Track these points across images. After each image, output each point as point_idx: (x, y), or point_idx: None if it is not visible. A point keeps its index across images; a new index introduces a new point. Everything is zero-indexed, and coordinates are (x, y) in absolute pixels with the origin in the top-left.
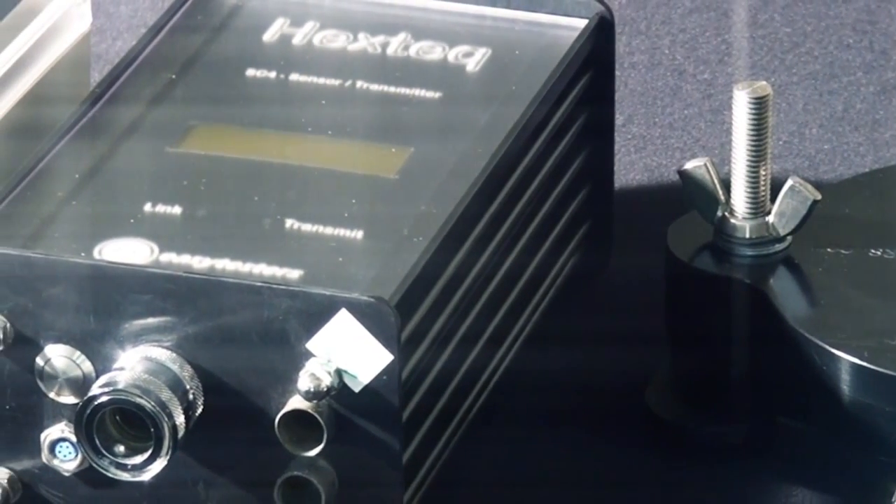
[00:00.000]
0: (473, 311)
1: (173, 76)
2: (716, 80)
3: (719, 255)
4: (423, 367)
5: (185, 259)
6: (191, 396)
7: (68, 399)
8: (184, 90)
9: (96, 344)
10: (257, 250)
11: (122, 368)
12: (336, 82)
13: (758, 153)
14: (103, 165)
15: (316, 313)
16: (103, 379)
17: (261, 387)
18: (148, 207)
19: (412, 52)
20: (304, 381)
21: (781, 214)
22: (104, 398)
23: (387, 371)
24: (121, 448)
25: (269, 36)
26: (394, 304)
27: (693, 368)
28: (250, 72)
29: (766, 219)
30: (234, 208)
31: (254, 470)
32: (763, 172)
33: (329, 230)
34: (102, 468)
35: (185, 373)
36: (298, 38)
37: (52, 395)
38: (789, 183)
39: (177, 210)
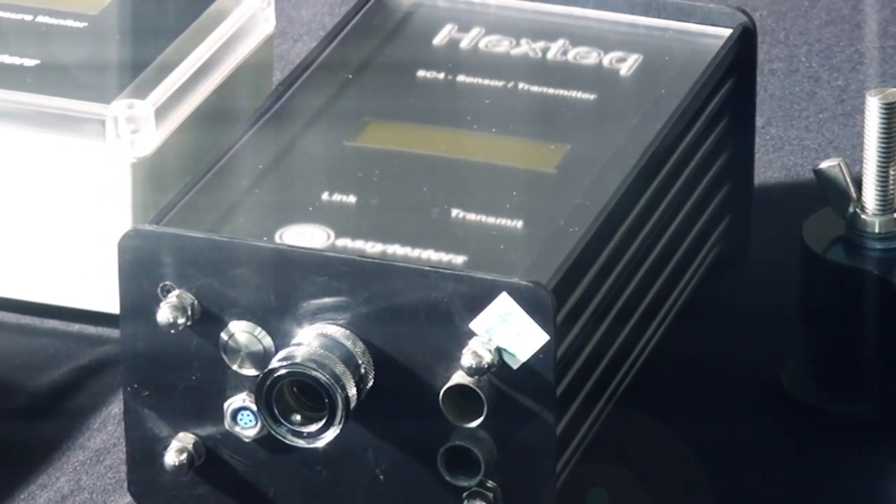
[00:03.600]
0: (623, 295)
1: (350, 76)
2: (849, 86)
3: (851, 248)
4: (577, 346)
5: (359, 244)
6: (362, 370)
7: (249, 371)
8: (359, 89)
9: (276, 321)
10: (425, 237)
11: (299, 344)
12: (499, 83)
13: (887, 154)
14: (285, 157)
15: (479, 296)
16: (282, 353)
17: (427, 363)
18: (325, 196)
19: (570, 56)
20: (467, 358)
21: None
22: (283, 371)
23: (543, 350)
24: (297, 417)
25: (439, 40)
26: (550, 288)
27: (825, 352)
28: (421, 73)
29: (895, 215)
30: (405, 198)
31: (419, 439)
32: (892, 172)
33: (491, 220)
34: (280, 435)
35: (358, 349)
36: (465, 43)
37: (234, 367)
38: None
39: (352, 199)
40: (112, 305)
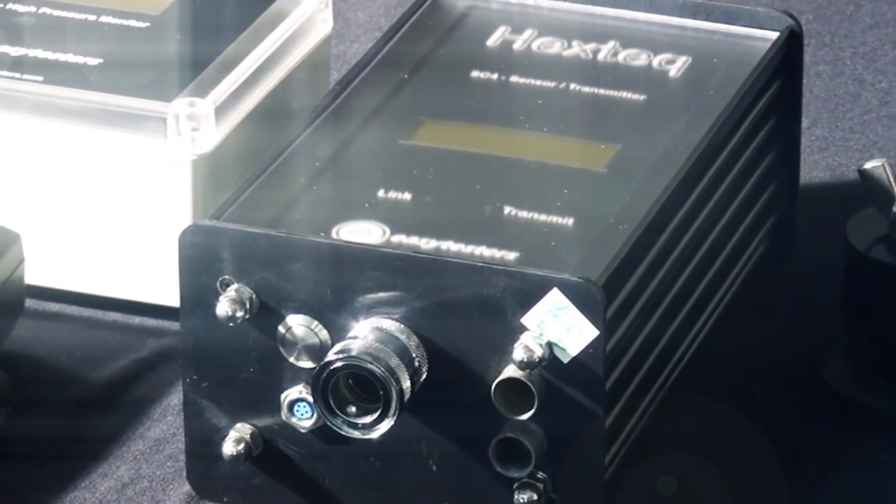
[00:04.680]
0: (671, 291)
1: (405, 76)
2: (893, 88)
3: (893, 247)
4: (626, 341)
5: (414, 240)
6: (416, 363)
7: (306, 364)
8: (415, 89)
9: (332, 315)
10: (478, 234)
11: (355, 337)
12: (551, 84)
13: None
14: (341, 155)
15: (530, 291)
16: (338, 346)
17: (479, 356)
18: (381, 193)
19: (620, 58)
20: (519, 352)
21: None
22: (339, 364)
23: (593, 345)
24: (353, 409)
25: (493, 41)
26: (600, 284)
27: (868, 348)
28: (475, 73)
29: None
30: (458, 196)
31: (471, 430)
32: None
33: (543, 217)
34: (336, 426)
35: (412, 342)
36: (518, 44)
37: (291, 359)
38: None
39: (407, 196)
40: (172, 299)
